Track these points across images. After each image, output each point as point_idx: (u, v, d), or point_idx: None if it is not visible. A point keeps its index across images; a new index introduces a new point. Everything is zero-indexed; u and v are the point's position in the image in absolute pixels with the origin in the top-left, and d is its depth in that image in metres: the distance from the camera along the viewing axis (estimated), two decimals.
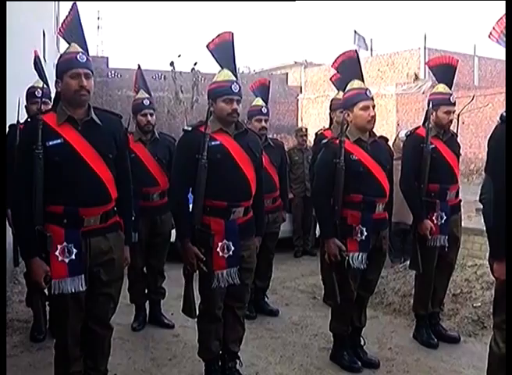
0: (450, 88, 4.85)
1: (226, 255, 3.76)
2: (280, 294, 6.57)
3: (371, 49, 33.95)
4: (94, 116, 3.31)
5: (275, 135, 22.21)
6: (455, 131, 4.98)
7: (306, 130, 9.16)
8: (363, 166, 4.25)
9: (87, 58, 3.29)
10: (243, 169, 3.80)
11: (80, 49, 3.31)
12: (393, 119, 23.80)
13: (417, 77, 30.08)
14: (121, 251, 3.45)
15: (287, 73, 31.84)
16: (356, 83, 4.33)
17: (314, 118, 28.20)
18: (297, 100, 29.69)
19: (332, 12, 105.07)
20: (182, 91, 20.21)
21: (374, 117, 4.25)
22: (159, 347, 4.87)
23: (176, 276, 4.92)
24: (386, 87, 25.65)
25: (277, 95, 27.71)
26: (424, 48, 30.36)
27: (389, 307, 5.87)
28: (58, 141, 3.19)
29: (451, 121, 4.82)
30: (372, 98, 4.30)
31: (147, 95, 5.28)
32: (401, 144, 5.72)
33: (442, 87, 4.85)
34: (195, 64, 20.59)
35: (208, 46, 3.91)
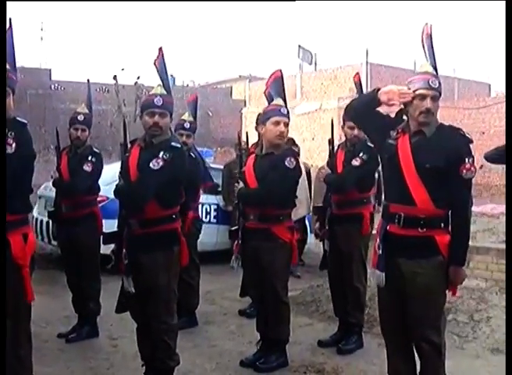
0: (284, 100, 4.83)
1: (125, 263, 3.96)
2: (219, 304, 6.72)
3: (315, 64, 34.49)
4: None
5: (219, 149, 22.36)
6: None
7: (246, 143, 9.29)
8: (244, 178, 4.67)
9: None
10: (132, 182, 3.93)
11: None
12: (335, 132, 24.23)
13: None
14: None
15: (231, 87, 32.06)
16: (276, 101, 4.61)
17: None
18: (241, 114, 29.89)
19: (277, 26, 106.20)
20: (124, 105, 20.20)
21: (282, 133, 4.52)
22: (98, 357, 4.93)
23: (113, 288, 4.97)
24: (329, 101, 26.09)
25: (221, 109, 27.89)
26: (366, 63, 31.03)
27: (324, 314, 6.09)
28: None
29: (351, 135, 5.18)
30: (287, 116, 4.57)
31: (86, 111, 5.40)
32: None
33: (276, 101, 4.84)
34: (138, 78, 20.65)
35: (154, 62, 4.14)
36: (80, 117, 5.33)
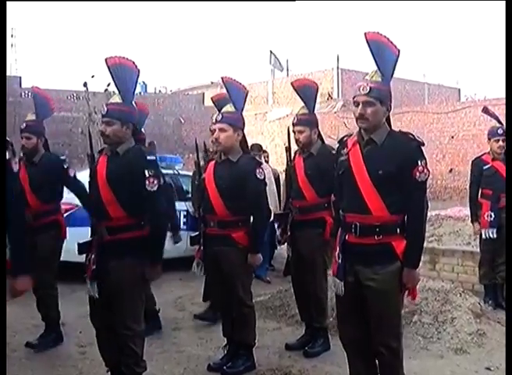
0: (314, 108, 5.29)
1: (92, 268, 3.99)
2: (189, 310, 6.76)
3: (287, 69, 34.71)
4: None
5: (191, 155, 22.31)
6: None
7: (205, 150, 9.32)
8: (204, 184, 4.77)
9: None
10: (100, 190, 3.99)
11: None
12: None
13: (330, 97, 30.92)
14: None
15: (203, 93, 32.01)
16: (224, 108, 4.76)
17: None
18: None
19: (249, 32, 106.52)
20: (95, 112, 20.08)
21: (216, 140, 4.63)
22: (66, 364, 4.96)
23: (82, 296, 5.02)
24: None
25: (193, 115, 27.86)
26: (337, 69, 31.31)
27: (292, 318, 6.14)
28: None
29: (299, 139, 5.25)
30: (221, 121, 4.65)
31: (32, 118, 5.41)
32: None
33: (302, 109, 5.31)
34: (108, 85, 20.48)
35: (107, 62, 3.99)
36: (23, 125, 5.38)
